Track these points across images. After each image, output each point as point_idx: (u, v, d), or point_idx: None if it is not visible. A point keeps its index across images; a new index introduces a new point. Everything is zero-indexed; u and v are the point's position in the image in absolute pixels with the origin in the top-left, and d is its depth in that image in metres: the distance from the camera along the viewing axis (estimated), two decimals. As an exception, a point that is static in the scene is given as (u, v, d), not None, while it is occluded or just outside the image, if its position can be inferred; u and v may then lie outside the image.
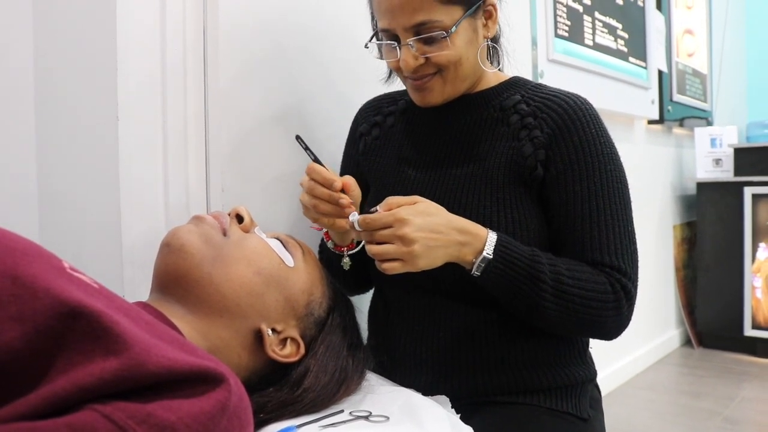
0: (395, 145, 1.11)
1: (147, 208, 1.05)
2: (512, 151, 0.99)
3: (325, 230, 1.04)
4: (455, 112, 1.05)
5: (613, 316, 0.93)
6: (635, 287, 0.96)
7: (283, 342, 0.79)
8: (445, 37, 0.93)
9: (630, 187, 1.01)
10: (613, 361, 2.59)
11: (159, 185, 1.07)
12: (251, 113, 1.18)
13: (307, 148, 0.96)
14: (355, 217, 0.88)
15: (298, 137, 0.97)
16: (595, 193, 0.95)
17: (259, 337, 0.76)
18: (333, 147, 1.27)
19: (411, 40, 0.94)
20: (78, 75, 1.08)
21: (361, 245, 1.00)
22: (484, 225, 0.92)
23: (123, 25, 1.01)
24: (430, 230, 0.86)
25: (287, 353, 0.78)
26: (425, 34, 0.93)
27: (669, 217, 3.18)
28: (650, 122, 2.97)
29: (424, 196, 0.99)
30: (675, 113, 3.14)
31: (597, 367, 1.09)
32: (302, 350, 0.80)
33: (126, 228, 1.02)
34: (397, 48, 0.96)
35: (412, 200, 0.88)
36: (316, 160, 0.95)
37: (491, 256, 0.89)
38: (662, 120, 2.99)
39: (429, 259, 0.86)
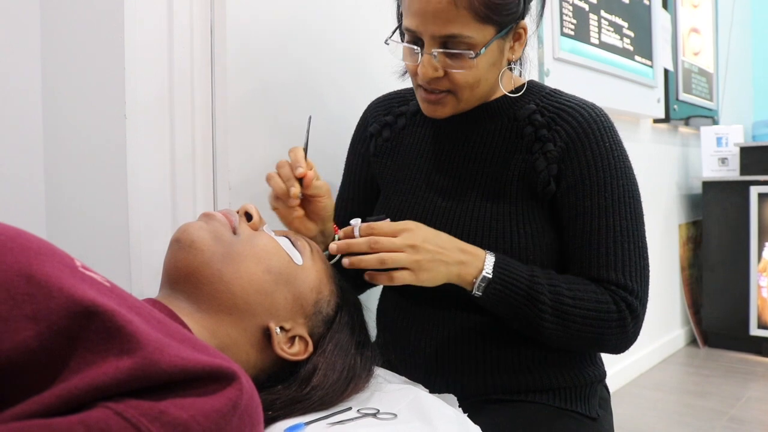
0: (407, 149, 1.10)
1: (154, 206, 1.06)
2: (525, 164, 0.98)
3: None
4: (470, 121, 1.04)
5: (616, 335, 0.93)
6: (642, 305, 0.95)
7: (291, 340, 0.79)
8: (473, 58, 0.90)
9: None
10: (619, 360, 2.59)
11: (166, 183, 1.07)
12: (259, 110, 1.18)
13: (307, 132, 0.95)
14: (356, 222, 0.88)
15: (310, 118, 0.97)
16: (605, 209, 0.94)
17: (267, 335, 0.76)
18: (342, 152, 1.26)
19: (436, 51, 0.90)
20: (85, 72, 1.08)
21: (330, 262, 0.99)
22: (497, 239, 0.94)
23: (130, 22, 1.01)
24: (436, 244, 0.88)
25: (295, 351, 0.78)
26: (453, 48, 0.90)
27: (674, 216, 3.17)
28: (656, 121, 2.96)
29: (438, 206, 1.00)
30: (681, 112, 3.14)
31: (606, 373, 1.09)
32: (310, 348, 0.80)
33: (134, 225, 1.03)
34: (419, 53, 0.92)
35: (412, 222, 0.90)
36: (305, 148, 0.94)
37: (491, 276, 0.89)
38: (668, 119, 2.99)
39: (431, 273, 0.87)
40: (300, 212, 0.93)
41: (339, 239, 0.89)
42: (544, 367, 0.99)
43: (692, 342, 3.25)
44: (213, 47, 1.12)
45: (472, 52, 0.90)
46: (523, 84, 1.04)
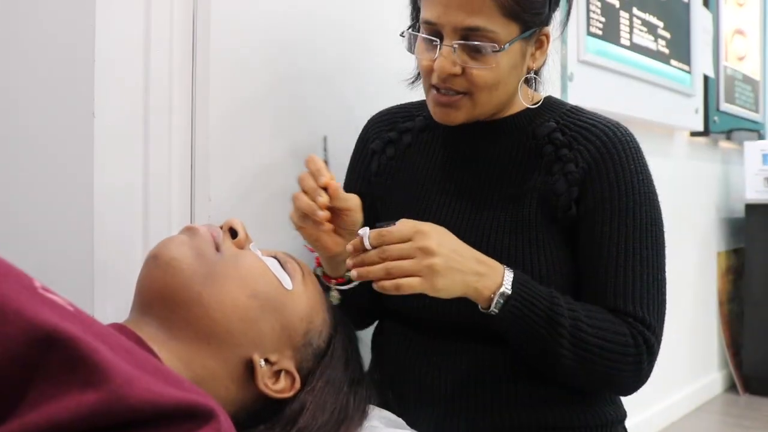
0: (413, 169, 1.12)
1: (123, 218, 1.06)
2: (544, 186, 1.01)
3: (316, 254, 1.05)
4: (483, 138, 1.06)
5: (632, 371, 0.96)
6: (658, 342, 0.98)
7: (276, 374, 0.79)
8: (497, 51, 0.94)
9: (668, 207, 1.03)
10: (645, 407, 2.58)
11: (137, 192, 1.08)
12: (245, 113, 1.19)
13: (325, 150, 1.00)
14: (365, 231, 0.89)
15: (325, 138, 1.01)
16: (626, 236, 0.97)
17: (250, 368, 0.77)
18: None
19: (456, 43, 0.95)
20: (51, 65, 1.09)
21: (353, 284, 1.01)
22: (515, 267, 0.96)
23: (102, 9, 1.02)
24: (451, 249, 0.90)
25: (281, 388, 0.79)
26: (475, 40, 0.94)
27: (713, 244, 3.18)
28: (693, 134, 2.98)
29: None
30: (722, 124, 3.16)
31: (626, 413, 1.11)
32: (298, 384, 0.80)
33: (99, 238, 1.03)
34: (438, 47, 0.96)
35: (428, 224, 0.92)
36: (325, 161, 0.98)
37: (510, 292, 0.92)
38: (707, 132, 3.01)
39: (448, 281, 0.88)
40: (329, 226, 0.96)
41: (349, 254, 0.90)
42: (559, 404, 1.01)
43: (731, 388, 3.24)
44: (195, 39, 1.13)
45: (495, 44, 0.94)
46: (541, 98, 1.07)
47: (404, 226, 0.89)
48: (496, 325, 0.94)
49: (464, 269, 0.90)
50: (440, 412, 1.02)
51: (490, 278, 0.92)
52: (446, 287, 0.89)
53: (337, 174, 1.23)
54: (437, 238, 0.89)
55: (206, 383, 0.73)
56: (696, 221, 3.03)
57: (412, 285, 0.87)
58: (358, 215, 0.99)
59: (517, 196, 1.02)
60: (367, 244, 0.88)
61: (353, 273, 0.89)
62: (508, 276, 0.93)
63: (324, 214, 0.94)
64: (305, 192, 0.96)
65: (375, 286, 0.89)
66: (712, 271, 3.18)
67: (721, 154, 3.30)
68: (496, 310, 0.92)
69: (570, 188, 0.99)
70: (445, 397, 1.02)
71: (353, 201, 0.98)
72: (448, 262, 0.88)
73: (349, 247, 0.91)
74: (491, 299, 0.91)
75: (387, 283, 0.87)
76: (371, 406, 0.88)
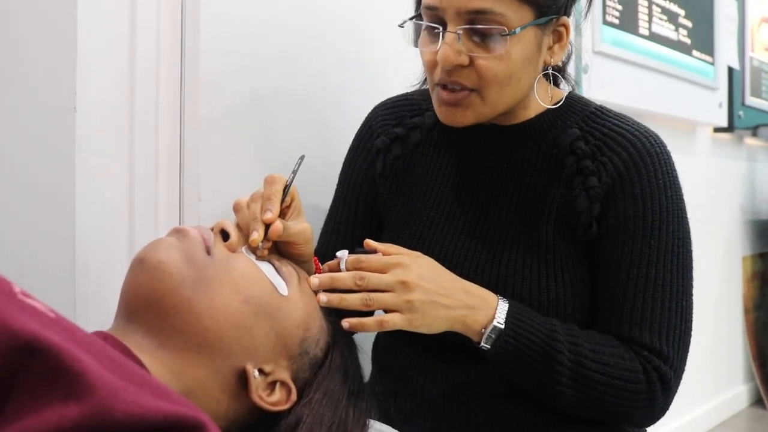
0: (421, 174, 1.11)
1: (106, 218, 1.06)
2: (564, 201, 1.00)
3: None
4: (499, 145, 1.05)
5: (643, 408, 0.96)
6: (677, 376, 0.97)
7: (271, 386, 0.79)
8: (506, 35, 0.91)
9: (689, 209, 1.02)
10: (665, 423, 2.56)
11: (122, 191, 1.08)
12: (236, 106, 1.19)
13: (294, 172, 0.92)
14: (343, 254, 0.90)
15: (302, 158, 0.94)
16: (648, 257, 0.96)
17: (243, 379, 0.77)
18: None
19: (461, 29, 0.92)
20: (31, 57, 1.09)
21: None
22: (531, 290, 0.97)
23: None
24: (434, 283, 0.90)
25: (276, 400, 0.79)
26: (482, 25, 0.92)
27: (737, 247, 3.18)
28: (716, 130, 2.98)
29: (460, 248, 1.02)
30: (747, 120, 3.15)
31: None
32: (294, 396, 0.80)
33: (80, 240, 1.03)
34: (441, 35, 0.94)
35: (415, 253, 0.93)
36: (287, 185, 0.89)
37: (503, 326, 0.92)
38: (731, 127, 3.01)
39: (428, 318, 0.89)
40: (264, 253, 0.85)
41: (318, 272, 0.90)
42: (575, 421, 1.00)
43: (757, 402, 3.24)
44: (183, 30, 1.13)
45: (504, 27, 0.91)
46: (562, 98, 1.05)
47: (385, 257, 0.90)
48: (489, 360, 0.95)
49: (450, 303, 0.90)
50: (443, 427, 1.02)
51: (482, 311, 0.92)
52: (426, 324, 0.90)
53: (327, 177, 1.23)
54: (418, 271, 0.90)
55: (196, 395, 0.74)
56: (719, 223, 3.03)
57: (393, 321, 0.88)
58: (306, 248, 0.90)
59: (533, 212, 1.01)
60: (342, 267, 0.90)
61: (322, 297, 0.86)
62: (502, 308, 0.93)
63: (264, 244, 0.84)
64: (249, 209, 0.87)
65: (350, 322, 0.87)
66: (737, 276, 3.18)
67: (747, 151, 3.29)
68: (488, 346, 0.92)
69: (592, 205, 0.98)
70: (442, 413, 1.03)
71: (300, 236, 0.88)
72: (431, 297, 0.89)
73: (325, 267, 0.92)
74: (482, 333, 0.92)
75: (369, 321, 0.88)
76: (371, 421, 0.88)
